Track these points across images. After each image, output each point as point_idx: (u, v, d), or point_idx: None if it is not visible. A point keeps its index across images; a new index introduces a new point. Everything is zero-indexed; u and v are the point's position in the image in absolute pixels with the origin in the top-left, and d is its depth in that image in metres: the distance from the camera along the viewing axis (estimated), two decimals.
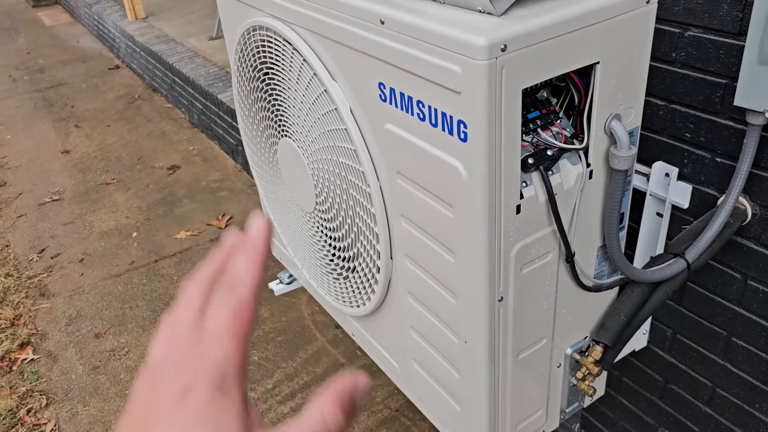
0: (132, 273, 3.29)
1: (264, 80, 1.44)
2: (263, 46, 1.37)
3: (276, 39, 1.31)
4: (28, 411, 2.51)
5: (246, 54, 1.46)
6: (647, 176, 1.47)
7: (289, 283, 1.90)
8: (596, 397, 1.43)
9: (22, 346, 2.85)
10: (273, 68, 1.37)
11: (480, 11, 0.89)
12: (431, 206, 1.05)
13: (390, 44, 0.98)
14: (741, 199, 1.32)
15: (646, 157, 1.48)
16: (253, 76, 1.48)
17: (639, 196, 1.53)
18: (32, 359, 2.78)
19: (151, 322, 2.94)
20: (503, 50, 0.83)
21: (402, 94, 1.01)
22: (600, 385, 1.41)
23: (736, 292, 1.41)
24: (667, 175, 1.43)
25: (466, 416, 1.24)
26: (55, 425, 2.45)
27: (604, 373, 1.40)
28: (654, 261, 1.27)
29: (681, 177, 1.42)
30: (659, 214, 1.48)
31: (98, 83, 5.91)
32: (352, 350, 2.65)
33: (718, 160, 1.34)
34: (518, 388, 1.20)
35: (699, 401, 1.60)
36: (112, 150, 4.62)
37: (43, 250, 3.53)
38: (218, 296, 0.39)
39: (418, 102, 0.98)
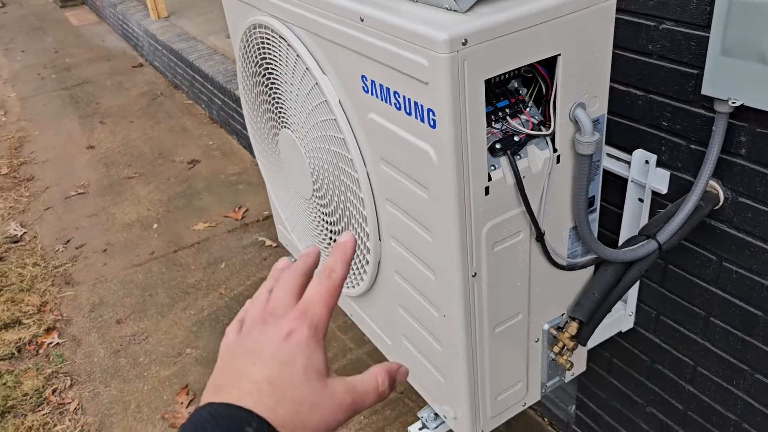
0: (152, 262, 3.43)
1: (265, 75, 1.54)
2: (263, 43, 1.47)
3: (274, 36, 1.40)
4: (54, 391, 2.66)
5: (248, 50, 1.57)
6: (629, 163, 1.55)
7: None
8: (577, 372, 1.50)
9: (48, 330, 3.01)
10: (272, 63, 1.47)
11: (447, 9, 0.98)
12: (410, 189, 1.14)
13: (369, 40, 1.07)
14: (713, 183, 1.38)
15: (627, 145, 1.55)
16: (255, 71, 1.59)
17: (622, 183, 1.60)
18: (57, 343, 2.93)
19: (169, 309, 3.07)
20: (464, 44, 0.92)
21: (381, 86, 1.10)
22: (580, 360, 1.48)
23: (712, 274, 1.47)
24: (646, 162, 1.50)
25: (449, 387, 1.33)
26: (78, 404, 2.59)
27: (584, 349, 1.47)
28: (627, 242, 1.34)
29: (660, 164, 1.49)
30: (641, 200, 1.55)
31: (122, 81, 6.09)
32: (359, 336, 2.75)
33: (693, 147, 1.40)
34: (496, 360, 1.29)
35: (682, 380, 1.67)
36: (134, 145, 4.78)
37: (68, 241, 3.70)
38: (317, 278, 0.53)
39: (395, 93, 1.07)
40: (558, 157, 1.13)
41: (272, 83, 1.52)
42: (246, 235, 3.58)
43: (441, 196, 1.05)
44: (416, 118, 1.03)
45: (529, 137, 1.10)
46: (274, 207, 1.96)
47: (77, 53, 7.08)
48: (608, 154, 1.60)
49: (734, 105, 1.20)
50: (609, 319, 1.69)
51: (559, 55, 1.03)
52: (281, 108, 1.53)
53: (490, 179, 1.07)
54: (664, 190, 1.50)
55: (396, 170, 1.16)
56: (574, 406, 2.16)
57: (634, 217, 1.56)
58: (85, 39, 7.61)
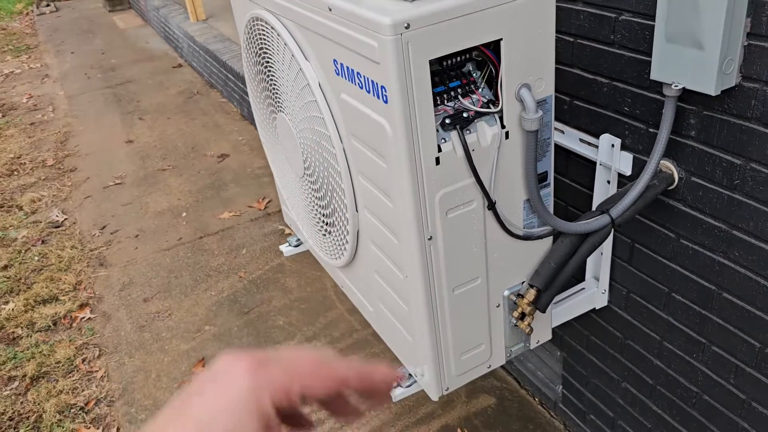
0: (179, 248, 3.65)
1: (263, 63, 1.70)
2: (260, 34, 1.64)
3: (267, 28, 1.56)
4: (83, 360, 2.88)
5: (249, 42, 1.73)
6: (597, 147, 1.65)
7: (296, 246, 2.15)
8: (542, 339, 1.61)
9: (82, 306, 3.24)
10: (268, 53, 1.63)
11: None
12: (373, 161, 1.28)
13: (336, 27, 1.21)
14: (668, 164, 1.48)
15: (596, 130, 1.66)
16: (255, 60, 1.75)
17: (592, 166, 1.70)
18: (89, 318, 3.16)
19: (192, 290, 3.28)
20: (407, 28, 1.05)
21: (348, 68, 1.24)
22: (544, 328, 1.59)
23: (671, 251, 1.57)
24: (612, 145, 1.61)
25: (416, 346, 1.46)
26: (104, 372, 2.81)
27: (546, 318, 1.58)
28: (583, 216, 1.45)
29: (624, 147, 1.59)
30: (608, 182, 1.65)
31: (162, 80, 6.39)
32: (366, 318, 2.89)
33: (651, 130, 1.51)
34: (458, 320, 1.41)
35: (650, 354, 1.76)
36: (170, 140, 5.04)
37: (104, 227, 3.95)
38: (331, 359, 0.51)
39: (357, 73, 1.21)
40: (507, 133, 1.25)
41: (269, 71, 1.68)
42: (267, 224, 3.76)
43: (395, 164, 1.19)
44: (373, 95, 1.17)
45: (479, 114, 1.23)
46: (278, 188, 2.12)
47: (122, 54, 7.45)
48: (580, 139, 1.71)
49: (677, 88, 1.30)
50: (581, 295, 1.79)
51: (501, 39, 1.16)
52: (277, 93, 1.69)
53: (440, 150, 1.20)
54: (628, 172, 1.60)
55: (363, 144, 1.30)
56: (561, 386, 2.26)
57: (603, 198, 1.66)
58: (131, 41, 7.99)
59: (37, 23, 9.84)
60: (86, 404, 2.65)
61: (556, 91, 1.74)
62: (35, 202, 4.35)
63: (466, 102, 1.22)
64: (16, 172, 4.83)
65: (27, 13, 10.88)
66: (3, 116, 6.01)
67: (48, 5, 10.72)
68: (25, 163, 4.97)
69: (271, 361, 0.47)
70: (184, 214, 3.99)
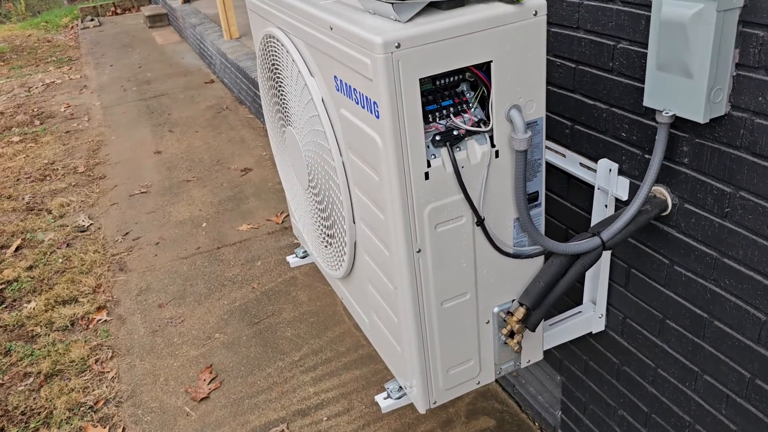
0: (197, 256, 3.73)
1: (274, 78, 1.78)
2: (272, 50, 1.71)
3: (278, 45, 1.64)
4: (96, 360, 2.96)
5: (263, 57, 1.81)
6: (596, 171, 1.68)
7: (303, 257, 2.20)
8: (533, 359, 1.62)
9: (99, 309, 3.34)
10: (278, 68, 1.71)
11: (393, 20, 1.18)
12: (367, 173, 1.32)
13: (337, 45, 1.27)
14: (662, 190, 1.50)
15: (595, 155, 1.69)
16: (268, 76, 1.83)
17: (591, 190, 1.73)
18: (105, 320, 3.25)
19: (206, 298, 3.35)
20: (398, 47, 1.11)
21: (346, 84, 1.30)
22: (534, 348, 1.60)
23: (665, 277, 1.58)
24: (610, 170, 1.63)
25: (404, 357, 1.49)
26: (115, 373, 2.88)
27: (537, 337, 1.59)
28: (575, 238, 1.47)
29: (621, 172, 1.61)
30: (606, 206, 1.67)
31: (194, 95, 6.57)
32: None
33: (647, 156, 1.53)
34: (446, 334, 1.44)
35: (645, 382, 1.76)
36: (196, 152, 5.17)
37: (127, 233, 4.07)
38: None
39: (354, 89, 1.26)
40: (497, 152, 1.29)
41: (279, 85, 1.75)
42: (283, 238, 3.83)
43: (386, 177, 1.24)
44: (367, 110, 1.23)
45: (470, 133, 1.27)
46: (288, 200, 2.18)
47: (158, 69, 7.68)
48: (580, 164, 1.73)
49: (668, 115, 1.33)
50: (578, 318, 1.80)
51: (491, 61, 1.20)
52: (286, 107, 1.75)
53: (429, 166, 1.24)
54: (624, 197, 1.62)
55: (359, 157, 1.35)
56: (560, 411, 2.25)
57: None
58: (167, 56, 8.24)
59: (80, 36, 10.22)
60: (95, 403, 2.72)
61: (559, 115, 1.78)
62: (64, 206, 4.49)
63: (457, 120, 1.26)
64: (48, 177, 5.00)
65: (72, 27, 11.31)
66: (41, 123, 6.24)
67: (92, 20, 11.13)
68: (57, 169, 5.15)
69: None
70: (204, 224, 4.09)
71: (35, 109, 6.70)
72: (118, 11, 11.84)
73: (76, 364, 2.95)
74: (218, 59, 6.68)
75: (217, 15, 7.29)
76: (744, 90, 1.24)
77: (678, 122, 1.40)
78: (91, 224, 4.23)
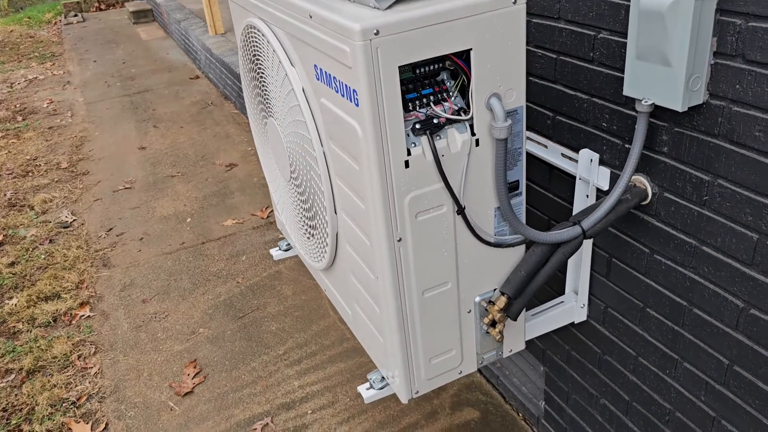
0: (181, 252, 3.71)
1: (255, 69, 1.77)
2: (253, 41, 1.70)
3: (259, 35, 1.63)
4: (79, 356, 2.94)
5: (244, 48, 1.80)
6: (577, 162, 1.68)
7: (286, 250, 2.19)
8: (515, 349, 1.63)
9: (82, 305, 3.31)
10: (260, 59, 1.69)
11: (372, 7, 1.17)
12: (348, 162, 1.32)
13: (316, 33, 1.27)
14: (642, 179, 1.51)
15: (576, 146, 1.69)
16: (250, 67, 1.81)
17: (572, 180, 1.74)
18: (88, 316, 3.22)
19: (190, 293, 3.33)
20: (376, 34, 1.10)
21: (326, 73, 1.29)
22: (516, 337, 1.61)
23: (646, 266, 1.59)
24: (591, 160, 1.64)
25: (386, 347, 1.49)
26: (98, 369, 2.86)
27: (519, 327, 1.60)
28: (556, 227, 1.48)
29: (602, 162, 1.62)
30: (587, 196, 1.68)
31: (179, 90, 6.53)
32: None
33: (627, 146, 1.54)
34: (428, 324, 1.44)
35: (627, 370, 1.77)
36: (181, 148, 5.14)
37: (110, 229, 4.03)
38: None
39: (334, 77, 1.26)
40: (477, 140, 1.29)
41: (261, 76, 1.74)
42: (268, 233, 3.82)
43: (366, 165, 1.23)
44: (347, 98, 1.22)
45: (450, 121, 1.27)
46: (271, 193, 2.17)
47: (143, 64, 7.62)
48: (561, 154, 1.74)
49: (647, 104, 1.34)
50: (560, 308, 1.81)
51: (471, 49, 1.20)
52: (267, 98, 1.74)
53: (409, 154, 1.24)
54: (605, 187, 1.63)
55: (339, 146, 1.35)
56: (543, 401, 2.26)
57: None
58: (152, 52, 8.17)
59: (63, 32, 10.11)
60: (78, 399, 2.69)
61: (541, 106, 1.78)
62: (47, 202, 4.45)
63: (437, 109, 1.26)
64: (30, 173, 4.95)
65: (55, 23, 11.18)
66: (23, 119, 6.17)
67: (75, 15, 11.01)
68: (40, 165, 5.09)
69: None
70: (188, 219, 4.06)
71: (17, 105, 6.62)
72: (102, 7, 11.73)
73: (59, 360, 2.92)
74: (203, 55, 6.64)
75: (202, 10, 7.24)
76: (722, 78, 1.25)
77: (657, 111, 1.41)
78: (74, 220, 4.19)
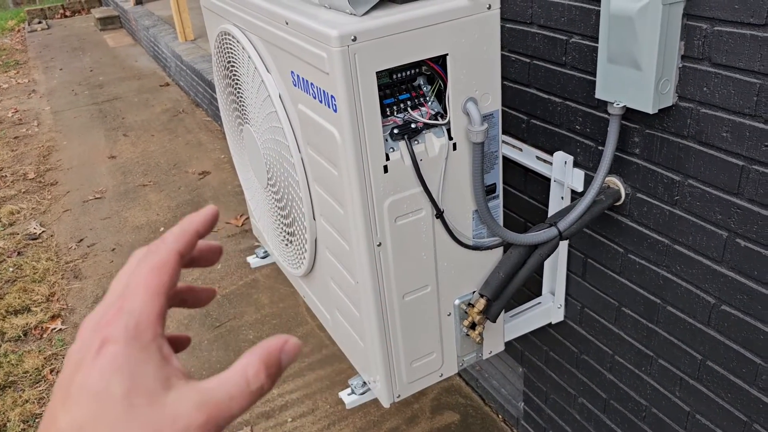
0: None
1: (230, 76, 1.76)
2: (228, 48, 1.69)
3: (234, 42, 1.62)
4: (52, 370, 2.87)
5: (219, 55, 1.79)
6: (552, 164, 1.71)
7: (263, 257, 2.18)
8: (495, 350, 1.64)
9: (53, 318, 3.24)
10: (235, 66, 1.69)
11: (348, 13, 1.18)
12: (326, 168, 1.32)
13: (293, 40, 1.27)
14: (616, 180, 1.54)
15: (551, 148, 1.72)
16: (224, 74, 1.80)
17: (547, 182, 1.76)
18: (60, 329, 3.16)
19: None
20: (354, 40, 1.11)
21: (303, 79, 1.30)
22: (496, 339, 1.62)
23: (620, 265, 1.62)
24: (565, 163, 1.66)
25: (367, 352, 1.49)
26: None
27: (498, 328, 1.61)
28: (532, 228, 1.50)
29: (576, 164, 1.65)
30: (562, 198, 1.71)
31: (149, 98, 6.45)
32: None
33: (600, 148, 1.57)
34: (408, 327, 1.45)
35: (603, 369, 1.80)
36: (152, 156, 5.07)
37: (81, 240, 3.96)
38: (141, 258, 0.40)
39: (311, 84, 1.26)
40: (454, 144, 1.31)
41: (236, 83, 1.73)
42: (244, 241, 3.79)
43: (344, 171, 1.24)
44: (325, 104, 1.22)
45: (427, 126, 1.28)
46: (247, 200, 2.16)
47: (110, 72, 7.51)
48: (536, 157, 1.77)
49: (619, 106, 1.37)
50: (537, 309, 1.83)
51: (447, 54, 1.22)
52: (243, 105, 1.74)
53: (388, 159, 1.25)
54: (580, 188, 1.66)
55: (317, 152, 1.35)
56: (522, 402, 2.29)
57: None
58: (120, 59, 8.06)
59: (27, 40, 9.91)
60: None
61: (515, 110, 1.81)
62: (14, 214, 4.35)
63: (415, 114, 1.27)
64: None
65: (18, 30, 10.96)
66: None
67: (40, 23, 10.81)
68: (6, 175, 4.98)
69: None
70: (161, 229, 4.01)
71: None
72: (68, 14, 11.53)
73: (30, 375, 2.85)
74: (173, 62, 6.57)
75: (171, 17, 7.17)
76: (690, 81, 1.28)
77: (629, 114, 1.44)
78: (43, 231, 4.11)
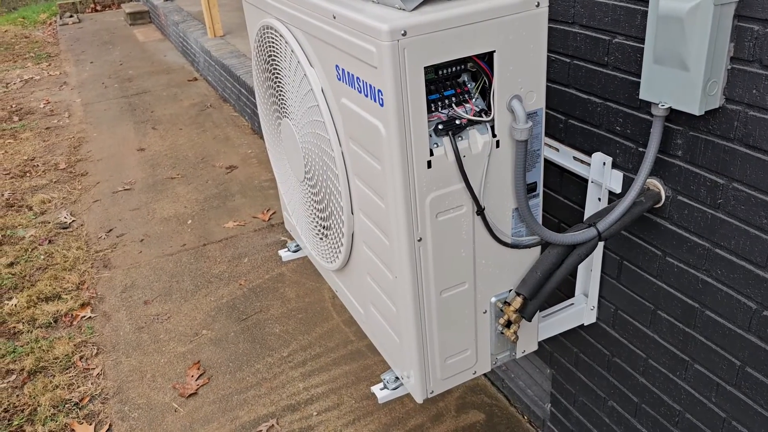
0: (182, 253, 3.70)
1: (271, 70, 1.77)
2: (270, 42, 1.71)
3: (277, 36, 1.64)
4: (81, 357, 2.92)
5: (259, 49, 1.81)
6: (590, 165, 1.70)
7: (295, 251, 2.20)
8: (528, 350, 1.64)
9: (83, 305, 3.30)
10: (276, 59, 1.70)
11: (398, 8, 1.19)
12: (369, 162, 1.33)
13: (339, 34, 1.28)
14: (656, 182, 1.53)
15: (589, 149, 1.71)
16: (264, 67, 1.82)
17: (584, 183, 1.75)
18: (90, 317, 3.21)
19: (192, 295, 3.32)
20: (404, 35, 1.12)
21: (349, 73, 1.31)
22: (530, 338, 1.62)
23: (658, 268, 1.61)
24: (604, 164, 1.66)
25: (403, 347, 1.50)
26: (101, 370, 2.84)
27: (533, 327, 1.61)
28: (571, 228, 1.49)
29: (614, 165, 1.64)
30: (599, 199, 1.70)
31: (177, 92, 6.52)
32: (362, 330, 2.92)
33: (641, 149, 1.56)
34: (445, 324, 1.45)
35: (636, 372, 1.78)
36: (180, 150, 5.13)
37: (110, 230, 4.02)
38: None
39: (357, 78, 1.27)
40: (497, 142, 1.31)
41: (276, 77, 1.75)
42: (270, 235, 3.82)
43: (388, 165, 1.24)
44: (371, 98, 1.23)
45: (471, 122, 1.28)
46: (280, 194, 2.18)
47: (140, 66, 7.61)
48: (573, 157, 1.76)
49: (664, 108, 1.36)
50: (570, 310, 1.83)
51: (494, 51, 1.22)
52: (282, 98, 1.75)
53: (432, 155, 1.25)
54: (618, 190, 1.65)
55: (360, 146, 1.36)
56: (549, 404, 2.28)
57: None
58: (149, 54, 8.16)
59: (59, 33, 10.07)
60: (81, 400, 2.68)
61: (553, 110, 1.80)
62: (45, 203, 4.43)
63: (459, 110, 1.28)
64: (28, 174, 4.92)
65: (50, 23, 11.14)
66: (20, 120, 6.14)
67: (71, 16, 10.98)
68: (38, 165, 5.07)
69: None
70: (189, 221, 4.06)
71: (13, 105, 6.59)
72: (98, 8, 11.70)
73: (60, 361, 2.91)
74: (202, 57, 6.64)
75: (200, 12, 7.25)
76: (738, 83, 1.27)
77: (672, 115, 1.43)
78: (73, 221, 4.18)
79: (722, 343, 1.49)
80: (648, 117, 1.50)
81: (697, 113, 1.29)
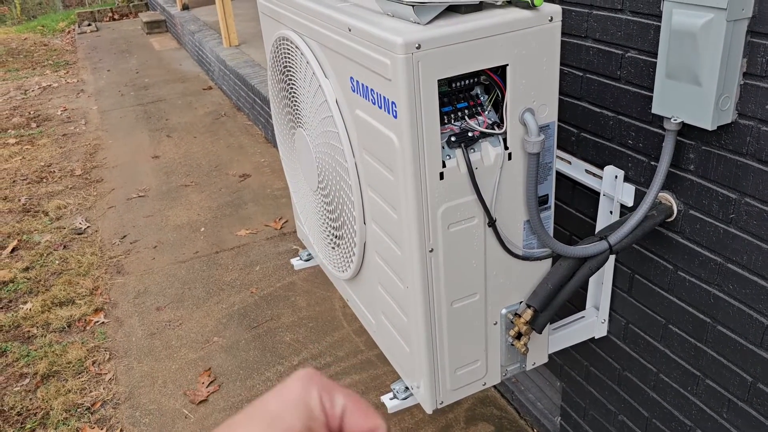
0: (195, 260, 3.73)
1: (286, 80, 1.80)
2: (285, 53, 1.73)
3: (292, 47, 1.66)
4: (93, 362, 2.95)
5: (275, 60, 1.83)
6: (601, 178, 1.71)
7: (307, 260, 2.21)
8: (538, 362, 1.64)
9: (96, 311, 3.33)
10: (291, 70, 1.73)
11: (412, 22, 1.20)
12: (382, 173, 1.35)
13: (355, 46, 1.30)
14: (668, 196, 1.53)
15: (601, 162, 1.72)
16: (280, 78, 1.85)
17: (596, 196, 1.76)
18: (103, 322, 3.24)
19: (204, 302, 3.35)
20: (418, 48, 1.13)
21: (363, 85, 1.32)
22: (540, 350, 1.62)
23: (669, 282, 1.60)
24: (616, 177, 1.66)
25: (413, 357, 1.51)
26: (113, 375, 2.87)
27: (543, 339, 1.61)
28: (583, 241, 1.50)
29: (626, 179, 1.64)
30: (611, 212, 1.70)
31: (192, 101, 6.59)
32: (372, 339, 2.93)
33: (653, 163, 1.56)
34: (455, 334, 1.46)
35: (647, 387, 1.78)
36: (194, 157, 5.18)
37: (124, 237, 4.06)
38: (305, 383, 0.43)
39: (371, 90, 1.29)
40: (510, 154, 1.32)
41: (291, 87, 1.77)
42: (282, 243, 3.84)
43: (401, 176, 1.26)
44: (385, 110, 1.25)
45: (484, 135, 1.30)
46: (293, 203, 2.20)
47: (156, 74, 7.69)
48: (585, 170, 1.77)
49: (676, 122, 1.36)
50: (580, 323, 1.82)
51: (507, 65, 1.23)
52: (297, 109, 1.78)
53: (444, 166, 1.26)
54: (630, 203, 1.65)
55: (373, 157, 1.37)
56: (559, 417, 2.27)
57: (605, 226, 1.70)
58: (165, 62, 8.25)
59: (77, 41, 10.22)
60: (93, 405, 2.70)
61: (565, 123, 1.81)
62: (61, 209, 4.48)
63: (472, 122, 1.29)
64: (45, 180, 4.99)
65: (68, 32, 11.30)
66: (37, 126, 6.23)
67: (89, 25, 11.13)
68: (54, 171, 5.14)
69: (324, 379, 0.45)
70: (202, 228, 4.09)
71: (31, 112, 6.68)
72: (116, 17, 11.86)
73: (73, 366, 2.93)
74: (217, 66, 6.71)
75: (216, 22, 7.33)
76: (751, 98, 1.27)
77: (685, 130, 1.43)
78: (88, 227, 4.22)
79: (734, 358, 1.48)
80: (660, 131, 1.51)
81: (709, 128, 1.30)
